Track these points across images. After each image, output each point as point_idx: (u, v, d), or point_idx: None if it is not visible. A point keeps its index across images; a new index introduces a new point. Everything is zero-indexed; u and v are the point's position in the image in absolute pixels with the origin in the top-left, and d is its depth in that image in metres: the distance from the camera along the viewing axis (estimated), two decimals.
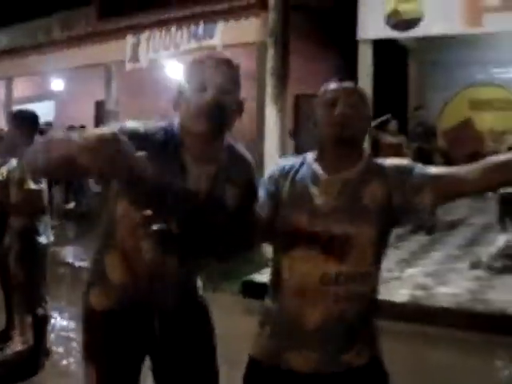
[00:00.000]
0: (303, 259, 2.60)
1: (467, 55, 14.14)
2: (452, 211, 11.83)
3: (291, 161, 2.80)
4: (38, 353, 5.78)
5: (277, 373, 2.68)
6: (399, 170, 2.65)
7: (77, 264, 9.97)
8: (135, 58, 14.11)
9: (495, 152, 10.91)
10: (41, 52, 16.80)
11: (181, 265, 2.73)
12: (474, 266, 8.43)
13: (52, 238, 5.95)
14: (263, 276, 8.50)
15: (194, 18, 12.79)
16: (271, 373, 2.70)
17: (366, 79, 11.75)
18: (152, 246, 2.57)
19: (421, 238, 10.50)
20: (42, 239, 5.74)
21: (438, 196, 2.62)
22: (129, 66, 14.34)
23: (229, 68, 2.67)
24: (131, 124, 2.62)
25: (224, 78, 2.62)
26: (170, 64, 14.02)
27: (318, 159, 2.70)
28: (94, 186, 14.84)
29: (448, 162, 10.59)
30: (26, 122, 5.75)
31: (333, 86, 2.69)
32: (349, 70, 13.40)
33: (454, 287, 7.64)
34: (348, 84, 2.70)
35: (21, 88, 18.85)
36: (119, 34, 14.54)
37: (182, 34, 13.16)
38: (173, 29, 13.31)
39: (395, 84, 13.90)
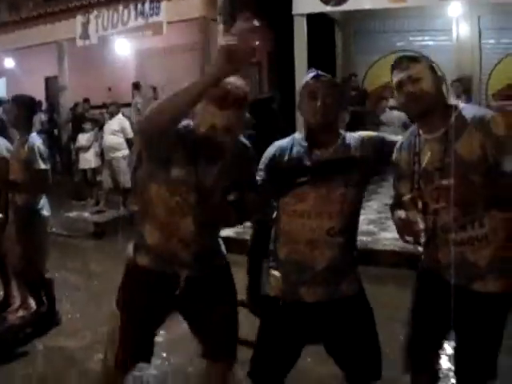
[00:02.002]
0: (311, 218, 3.09)
1: (388, 25, 14.44)
2: None
3: (284, 142, 3.24)
4: (50, 314, 5.89)
5: (289, 305, 3.20)
6: (373, 140, 3.20)
7: None
8: (85, 35, 13.99)
9: None
10: None
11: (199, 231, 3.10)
12: None
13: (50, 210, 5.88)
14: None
15: None
16: (285, 305, 3.21)
17: (301, 50, 11.97)
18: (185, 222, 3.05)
19: None
20: (45, 212, 5.71)
21: None
22: (79, 43, 14.21)
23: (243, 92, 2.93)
24: None
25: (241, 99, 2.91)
26: (119, 40, 13.94)
27: (305, 139, 3.17)
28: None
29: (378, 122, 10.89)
30: (24, 106, 5.75)
31: (313, 79, 3.11)
32: (282, 42, 13.61)
33: (395, 232, 7.96)
34: (325, 77, 3.12)
35: None
36: (69, 13, 14.35)
37: (129, 12, 13.08)
38: (120, 7, 13.22)
39: (324, 52, 14.09)
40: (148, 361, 3.36)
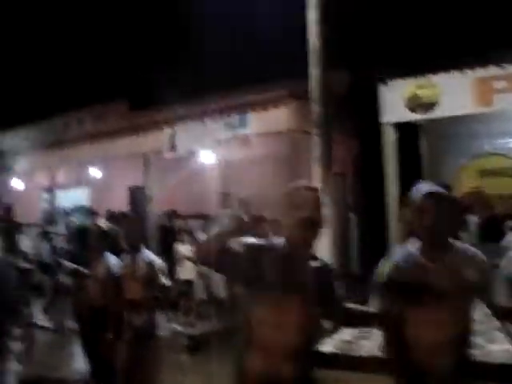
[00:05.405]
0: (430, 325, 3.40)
1: (474, 128, 14.53)
2: None
3: (399, 255, 3.62)
4: None
5: None
6: (480, 259, 3.48)
7: None
8: (172, 147, 14.41)
9: (506, 214, 11.24)
10: (80, 144, 17.11)
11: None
12: None
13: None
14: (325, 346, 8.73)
15: (228, 109, 13.14)
16: None
17: (390, 158, 12.20)
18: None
19: None
20: (161, 331, 5.95)
21: None
22: (167, 155, 14.65)
23: (316, 193, 3.45)
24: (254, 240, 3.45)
25: (314, 201, 3.38)
26: (205, 152, 14.40)
27: (421, 251, 3.50)
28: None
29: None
30: (142, 223, 5.94)
31: (424, 193, 3.46)
32: (368, 150, 13.87)
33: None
34: (436, 190, 3.46)
35: (61, 175, 19.18)
36: (155, 125, 14.92)
37: (216, 125, 13.48)
38: (208, 120, 13.65)
39: (410, 158, 14.26)
40: None
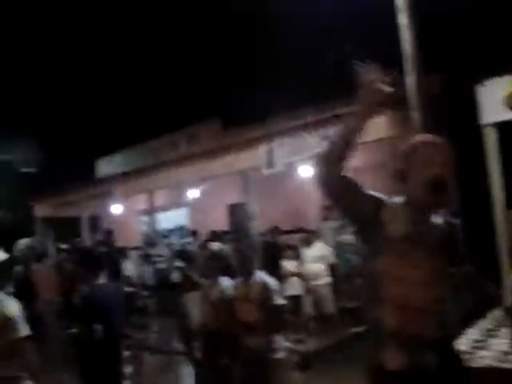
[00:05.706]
0: None
1: None
2: None
3: None
4: None
5: None
6: None
7: None
8: (270, 163, 14.46)
9: None
10: (176, 166, 17.45)
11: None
12: None
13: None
14: None
15: (323, 122, 13.09)
16: None
17: (493, 159, 11.88)
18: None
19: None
20: (280, 354, 5.76)
21: None
22: (265, 172, 14.71)
23: (446, 149, 3.26)
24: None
25: (443, 158, 3.20)
26: (304, 166, 14.41)
27: None
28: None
29: None
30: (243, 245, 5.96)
31: None
32: (468, 152, 13.57)
33: None
34: None
35: (159, 198, 19.53)
36: (250, 143, 15.02)
37: (313, 138, 13.45)
38: (304, 134, 13.68)
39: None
40: None
